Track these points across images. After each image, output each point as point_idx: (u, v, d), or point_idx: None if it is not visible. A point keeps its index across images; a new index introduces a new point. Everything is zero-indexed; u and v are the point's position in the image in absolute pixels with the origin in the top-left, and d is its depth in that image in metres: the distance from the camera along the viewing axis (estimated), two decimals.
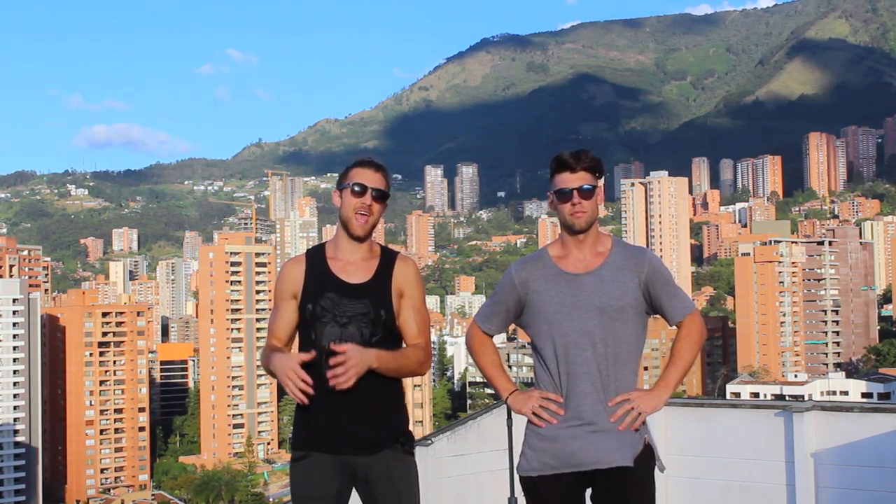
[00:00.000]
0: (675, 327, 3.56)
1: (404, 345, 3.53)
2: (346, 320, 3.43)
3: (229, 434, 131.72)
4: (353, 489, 3.57)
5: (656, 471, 3.51)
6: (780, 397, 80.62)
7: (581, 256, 3.48)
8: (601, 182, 3.56)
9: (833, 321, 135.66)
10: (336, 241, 3.58)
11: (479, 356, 3.68)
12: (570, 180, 3.45)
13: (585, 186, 3.45)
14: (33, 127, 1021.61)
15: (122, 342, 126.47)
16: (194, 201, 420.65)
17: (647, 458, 3.44)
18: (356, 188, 3.49)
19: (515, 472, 3.68)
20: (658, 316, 3.56)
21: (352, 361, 3.32)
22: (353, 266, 3.50)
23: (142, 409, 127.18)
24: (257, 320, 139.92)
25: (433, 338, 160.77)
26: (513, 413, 3.65)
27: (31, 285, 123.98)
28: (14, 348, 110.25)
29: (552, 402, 3.43)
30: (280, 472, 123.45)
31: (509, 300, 3.55)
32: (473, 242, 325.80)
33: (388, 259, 3.55)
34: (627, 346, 3.43)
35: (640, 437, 3.41)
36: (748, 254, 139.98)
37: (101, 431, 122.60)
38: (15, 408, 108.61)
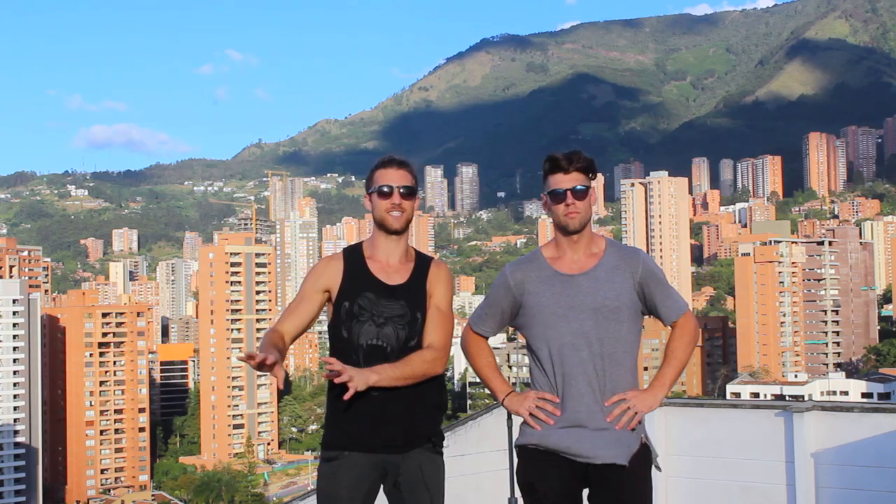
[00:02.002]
0: (669, 327, 3.57)
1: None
2: (383, 320, 3.45)
3: (229, 434, 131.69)
4: (381, 490, 3.58)
5: (654, 470, 3.52)
6: (780, 397, 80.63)
7: (575, 257, 3.49)
8: (594, 183, 3.56)
9: (833, 321, 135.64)
10: (373, 242, 3.59)
11: (474, 359, 3.68)
12: (564, 181, 3.45)
13: (579, 187, 3.45)
14: (33, 127, 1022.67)
15: (122, 342, 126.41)
16: (194, 202, 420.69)
17: (644, 457, 3.45)
18: (384, 189, 3.52)
19: (514, 472, 3.67)
20: (651, 316, 3.57)
21: (347, 378, 3.33)
22: (390, 268, 3.53)
23: (142, 410, 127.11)
24: (257, 320, 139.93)
25: None
26: (512, 413, 3.65)
27: (31, 286, 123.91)
28: (14, 349, 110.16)
29: (548, 402, 3.43)
30: (280, 473, 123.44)
31: (504, 302, 3.55)
32: (473, 243, 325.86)
33: (423, 263, 3.60)
34: (623, 347, 3.44)
35: (637, 436, 3.42)
36: (748, 254, 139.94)
37: (101, 432, 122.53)
38: (15, 408, 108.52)
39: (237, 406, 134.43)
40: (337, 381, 3.32)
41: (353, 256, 3.57)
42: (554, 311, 3.42)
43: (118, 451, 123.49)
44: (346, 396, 3.32)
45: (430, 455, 3.50)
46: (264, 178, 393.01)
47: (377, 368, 3.38)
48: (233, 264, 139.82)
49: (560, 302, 3.42)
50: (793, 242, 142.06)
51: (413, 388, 3.45)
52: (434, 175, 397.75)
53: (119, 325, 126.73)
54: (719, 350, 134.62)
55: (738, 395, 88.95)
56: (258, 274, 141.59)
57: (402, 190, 3.52)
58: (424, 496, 3.47)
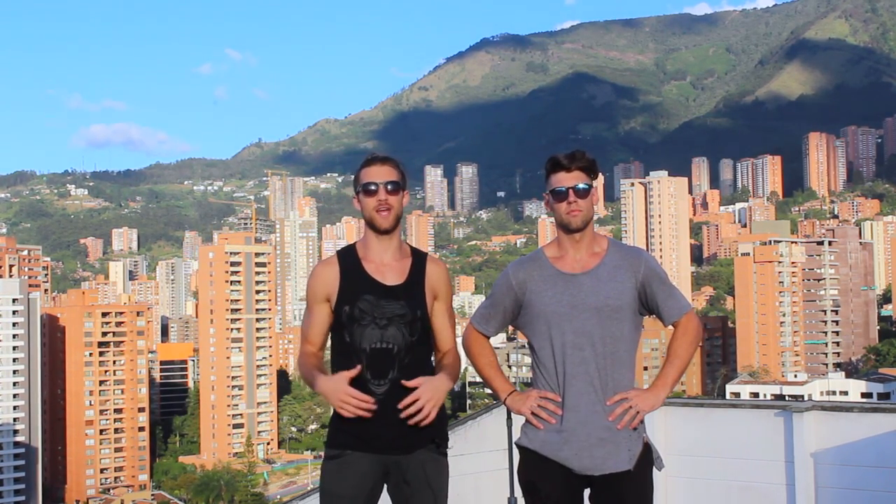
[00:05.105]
0: (670, 327, 3.57)
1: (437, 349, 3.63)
2: (385, 322, 3.44)
3: (229, 434, 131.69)
4: (384, 489, 3.60)
5: (655, 470, 3.53)
6: (780, 397, 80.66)
7: (577, 257, 3.49)
8: (596, 182, 3.56)
9: (833, 321, 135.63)
10: (365, 242, 3.58)
11: (476, 358, 3.69)
12: (566, 180, 3.46)
13: (581, 186, 3.45)
14: (33, 127, 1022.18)
15: (122, 342, 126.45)
16: (194, 201, 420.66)
17: (646, 457, 3.45)
18: (371, 188, 3.51)
19: (515, 471, 3.68)
20: (652, 316, 3.57)
21: (424, 398, 3.40)
22: (386, 267, 3.52)
23: (142, 409, 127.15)
24: (257, 320, 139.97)
25: None
26: (512, 413, 3.65)
27: (30, 285, 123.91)
28: (14, 348, 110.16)
29: (550, 401, 3.43)
30: (280, 472, 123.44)
31: (506, 301, 3.56)
32: (473, 242, 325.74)
33: (419, 260, 3.59)
34: (625, 346, 3.45)
35: (639, 436, 3.43)
36: (748, 254, 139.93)
37: (101, 431, 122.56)
38: (15, 408, 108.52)
39: (237, 406, 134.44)
40: (414, 409, 3.40)
41: (348, 259, 3.55)
42: (556, 310, 3.41)
43: (118, 450, 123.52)
44: (424, 418, 3.40)
45: (434, 455, 3.50)
46: (264, 178, 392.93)
47: (450, 376, 3.48)
48: (233, 264, 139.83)
49: (562, 301, 3.41)
50: (792, 242, 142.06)
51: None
52: (434, 175, 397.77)
53: (119, 324, 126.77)
54: (719, 350, 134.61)
55: (737, 394, 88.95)
56: (258, 273, 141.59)
57: (388, 186, 3.50)
58: (428, 496, 3.48)
